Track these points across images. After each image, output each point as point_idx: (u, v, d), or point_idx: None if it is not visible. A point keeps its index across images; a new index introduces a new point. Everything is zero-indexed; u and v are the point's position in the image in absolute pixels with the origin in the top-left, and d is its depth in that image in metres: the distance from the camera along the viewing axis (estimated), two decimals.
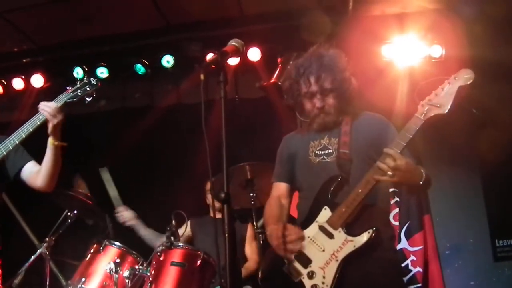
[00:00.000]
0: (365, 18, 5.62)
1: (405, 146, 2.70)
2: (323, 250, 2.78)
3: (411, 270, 5.12)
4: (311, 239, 2.84)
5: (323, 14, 5.34)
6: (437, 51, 5.63)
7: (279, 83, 5.31)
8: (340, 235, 2.76)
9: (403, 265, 5.09)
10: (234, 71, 5.83)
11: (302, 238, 2.83)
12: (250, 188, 4.61)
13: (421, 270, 5.10)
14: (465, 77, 2.77)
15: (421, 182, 2.78)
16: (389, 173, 2.64)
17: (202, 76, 2.30)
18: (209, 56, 5.77)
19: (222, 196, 2.16)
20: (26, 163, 3.46)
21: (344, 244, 2.74)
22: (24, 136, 3.23)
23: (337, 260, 2.73)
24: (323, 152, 3.01)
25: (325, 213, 2.85)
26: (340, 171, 2.91)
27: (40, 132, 3.25)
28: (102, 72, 6.11)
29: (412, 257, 5.15)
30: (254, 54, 5.84)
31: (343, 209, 2.78)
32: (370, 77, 5.38)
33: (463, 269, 5.51)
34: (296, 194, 3.27)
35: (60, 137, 3.25)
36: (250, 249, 4.86)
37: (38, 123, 3.21)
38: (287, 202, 3.22)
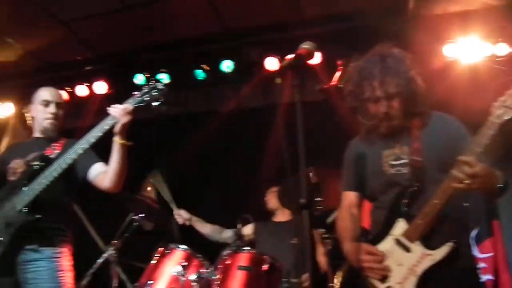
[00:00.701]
0: (427, 17, 5.49)
1: (480, 152, 2.54)
2: (400, 265, 2.70)
3: (481, 278, 4.97)
4: (386, 253, 2.76)
5: (383, 15, 5.26)
6: (503, 49, 5.45)
7: (340, 85, 5.26)
8: (417, 248, 2.67)
9: None
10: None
11: (381, 265, 2.74)
12: (316, 193, 4.57)
13: (492, 278, 4.94)
14: None
15: (498, 187, 2.68)
16: (467, 181, 2.50)
17: (278, 80, 2.29)
18: (271, 59, 5.78)
19: (302, 202, 2.12)
20: (94, 164, 3.56)
21: (423, 258, 2.65)
22: (93, 140, 3.32)
23: (415, 275, 2.64)
24: (397, 163, 2.89)
25: (400, 226, 2.77)
26: (414, 180, 2.81)
27: (108, 136, 3.33)
28: (163, 78, 6.19)
29: (483, 264, 4.99)
30: (314, 56, 5.79)
31: (419, 221, 2.68)
32: (432, 77, 5.27)
33: None
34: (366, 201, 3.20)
35: (125, 137, 3.32)
36: (318, 254, 4.81)
37: (107, 127, 3.29)
38: (358, 211, 3.14)
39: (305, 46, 2.55)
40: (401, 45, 5.04)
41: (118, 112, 3.24)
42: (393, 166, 2.90)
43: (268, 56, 5.82)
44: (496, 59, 5.52)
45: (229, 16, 5.74)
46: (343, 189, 3.19)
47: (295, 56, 2.45)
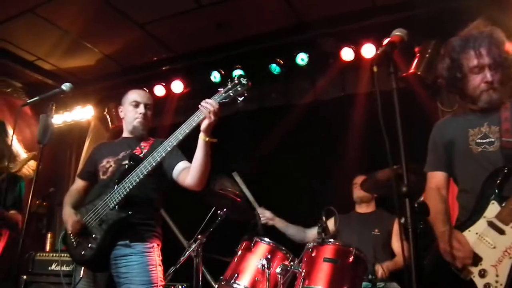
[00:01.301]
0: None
1: None
2: (494, 247, 2.68)
3: None
4: (479, 235, 2.74)
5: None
6: None
7: (419, 72, 5.15)
8: (511, 231, 2.65)
9: None
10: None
11: (470, 257, 2.71)
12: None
13: None
14: None
15: None
16: None
17: (375, 68, 2.28)
18: (346, 50, 5.71)
19: (403, 190, 2.10)
20: (179, 162, 3.63)
21: None
22: (181, 137, 3.39)
23: (510, 258, 2.60)
24: (484, 141, 2.87)
25: (493, 208, 2.73)
26: (506, 161, 2.76)
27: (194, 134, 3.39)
28: (238, 74, 6.22)
29: None
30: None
31: None
32: None
33: None
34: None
35: (211, 134, 3.36)
36: (398, 244, 4.74)
37: (194, 124, 3.35)
38: (446, 193, 3.09)
39: (397, 33, 2.53)
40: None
41: (208, 108, 3.28)
42: (479, 144, 2.89)
43: (343, 46, 5.75)
44: None
45: (301, 8, 5.70)
46: (429, 170, 3.16)
47: (388, 43, 2.44)
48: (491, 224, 2.71)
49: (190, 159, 3.53)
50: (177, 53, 6.61)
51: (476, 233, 2.76)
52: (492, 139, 2.85)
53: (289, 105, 6.29)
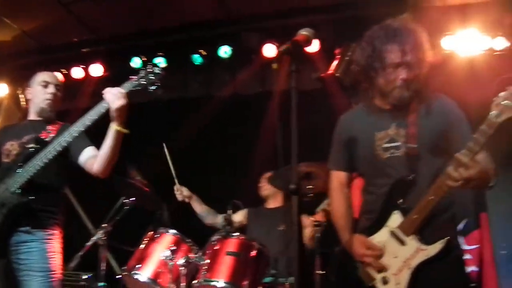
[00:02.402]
0: (426, 9, 5.46)
1: (478, 151, 2.47)
2: (396, 257, 2.73)
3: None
4: (382, 244, 2.78)
5: (383, 5, 5.23)
6: (501, 43, 5.43)
7: (337, 74, 5.24)
8: (412, 242, 2.69)
9: None
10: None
11: (380, 262, 2.76)
12: (306, 182, 4.55)
13: (476, 269, 4.96)
14: None
15: (490, 185, 2.70)
16: (461, 182, 2.49)
17: (274, 66, 2.26)
18: (269, 46, 5.76)
19: (292, 188, 2.12)
20: (86, 147, 3.55)
21: (417, 252, 2.68)
22: (89, 123, 3.31)
23: (409, 268, 2.67)
24: (391, 145, 2.84)
25: (395, 218, 2.76)
26: (409, 169, 2.78)
27: (103, 120, 3.32)
28: (160, 62, 6.17)
29: (468, 256, 5.01)
30: (313, 44, 5.77)
31: (415, 216, 2.68)
32: (430, 69, 5.25)
33: None
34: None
35: (123, 124, 3.30)
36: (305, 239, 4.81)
37: (103, 110, 3.27)
38: (349, 191, 3.11)
39: (304, 32, 2.50)
40: None
41: (111, 96, 3.22)
42: (386, 149, 2.85)
43: (266, 43, 5.80)
44: (494, 53, 5.49)
45: (229, 2, 5.70)
46: (332, 167, 3.13)
47: (292, 42, 2.40)
48: (393, 234, 2.75)
49: (98, 146, 3.47)
50: (99, 35, 6.47)
51: (379, 242, 2.79)
52: (399, 143, 2.81)
53: (209, 97, 6.30)
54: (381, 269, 2.74)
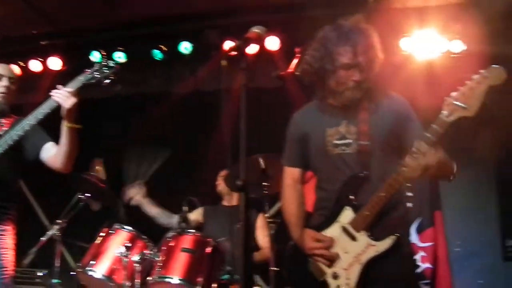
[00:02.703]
0: (385, 11, 5.53)
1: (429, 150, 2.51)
2: (346, 252, 2.77)
3: (420, 266, 5.10)
4: (333, 239, 2.82)
5: (344, 5, 5.28)
6: (458, 46, 5.55)
7: (297, 73, 5.25)
8: (362, 238, 2.74)
9: None
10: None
11: (330, 252, 2.80)
12: (263, 178, 4.57)
13: (430, 266, 5.07)
14: (497, 75, 2.44)
15: (453, 173, 2.75)
16: (419, 170, 2.52)
17: (223, 63, 2.25)
18: (230, 43, 5.76)
19: (239, 184, 2.12)
20: (45, 143, 3.51)
21: (367, 248, 2.72)
22: (41, 117, 3.26)
23: (360, 263, 2.72)
24: (342, 142, 2.86)
25: (347, 214, 2.80)
26: (361, 166, 2.81)
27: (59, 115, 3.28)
28: (120, 56, 6.12)
29: (422, 253, 5.12)
30: (273, 43, 5.81)
31: (366, 213, 2.73)
32: (388, 71, 5.33)
33: (472, 267, 5.47)
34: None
35: (74, 120, 3.26)
36: (263, 238, 4.84)
37: (55, 104, 3.23)
38: (301, 187, 3.13)
39: (255, 30, 2.51)
40: None
41: (61, 97, 3.18)
42: (337, 146, 2.87)
43: (227, 39, 5.79)
44: (451, 55, 5.60)
45: None
46: (286, 164, 3.15)
47: (243, 39, 2.42)
48: (344, 230, 2.78)
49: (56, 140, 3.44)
50: (59, 28, 6.36)
51: (331, 237, 2.83)
52: (350, 141, 2.84)
53: (168, 92, 6.27)
54: (332, 259, 2.78)
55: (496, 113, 5.25)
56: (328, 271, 2.79)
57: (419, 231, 5.19)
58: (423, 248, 5.14)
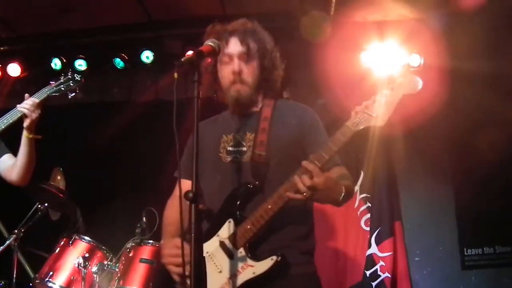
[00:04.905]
0: (346, 24, 5.61)
1: (328, 160, 2.32)
2: (220, 271, 2.44)
3: (380, 276, 5.16)
4: (209, 255, 2.49)
5: (304, 18, 5.35)
6: (416, 60, 5.66)
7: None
8: (240, 256, 2.41)
9: (371, 270, 5.16)
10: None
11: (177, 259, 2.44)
12: None
13: (389, 276, 5.14)
14: (411, 84, 2.30)
15: (340, 199, 2.44)
16: (304, 193, 2.26)
17: (175, 75, 2.23)
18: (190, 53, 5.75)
19: (190, 196, 2.08)
20: (2, 156, 3.45)
21: (244, 268, 2.38)
22: (3, 127, 3.23)
23: (233, 287, 2.36)
24: (235, 149, 2.65)
25: (228, 227, 2.48)
26: (254, 176, 2.55)
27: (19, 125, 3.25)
28: (81, 64, 6.05)
29: (382, 263, 5.18)
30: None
31: (248, 226, 2.42)
32: (349, 84, 5.42)
33: (432, 276, 5.58)
34: None
35: (34, 130, 3.24)
36: None
37: (19, 114, 3.21)
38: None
39: (209, 43, 2.43)
40: (319, 50, 5.22)
41: (27, 108, 3.16)
42: (230, 153, 2.66)
43: (189, 49, 5.79)
44: (411, 69, 5.72)
45: (152, 7, 5.67)
46: (178, 175, 2.66)
47: (195, 52, 2.34)
48: (222, 245, 2.47)
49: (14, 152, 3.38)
50: (18, 34, 6.26)
51: (207, 252, 2.50)
52: (245, 148, 2.62)
53: (130, 101, 6.25)
54: (200, 281, 2.26)
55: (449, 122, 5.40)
56: None
57: (379, 241, 5.25)
58: (382, 258, 5.20)
